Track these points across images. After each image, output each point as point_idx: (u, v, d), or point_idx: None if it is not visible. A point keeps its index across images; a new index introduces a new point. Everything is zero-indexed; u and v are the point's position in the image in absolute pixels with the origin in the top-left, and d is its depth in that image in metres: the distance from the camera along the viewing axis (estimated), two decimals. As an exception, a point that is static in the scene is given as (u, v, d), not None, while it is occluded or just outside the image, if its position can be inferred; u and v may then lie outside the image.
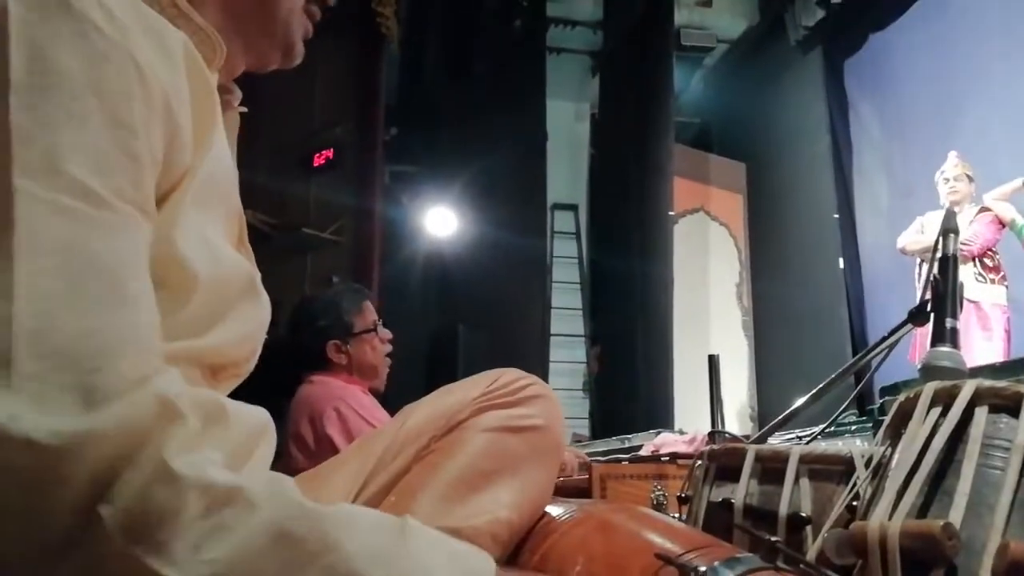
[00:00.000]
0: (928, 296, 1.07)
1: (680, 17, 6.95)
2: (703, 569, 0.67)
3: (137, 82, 0.57)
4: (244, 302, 0.73)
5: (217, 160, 0.69)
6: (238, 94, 0.83)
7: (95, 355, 0.49)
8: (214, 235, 0.69)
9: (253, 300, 0.75)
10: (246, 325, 0.74)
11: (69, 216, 0.51)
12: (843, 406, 1.33)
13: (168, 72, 0.61)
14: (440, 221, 6.65)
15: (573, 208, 7.88)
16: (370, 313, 2.37)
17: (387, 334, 2.39)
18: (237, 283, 0.72)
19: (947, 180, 4.43)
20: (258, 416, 0.69)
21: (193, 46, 0.67)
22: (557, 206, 7.72)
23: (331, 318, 2.30)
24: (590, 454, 3.04)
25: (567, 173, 7.80)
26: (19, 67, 0.52)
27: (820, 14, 6.00)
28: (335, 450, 2.01)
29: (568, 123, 7.90)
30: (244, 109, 0.84)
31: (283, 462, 2.09)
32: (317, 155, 5.27)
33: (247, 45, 0.80)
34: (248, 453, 0.65)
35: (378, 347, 2.36)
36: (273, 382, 0.83)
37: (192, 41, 0.68)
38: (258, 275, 0.77)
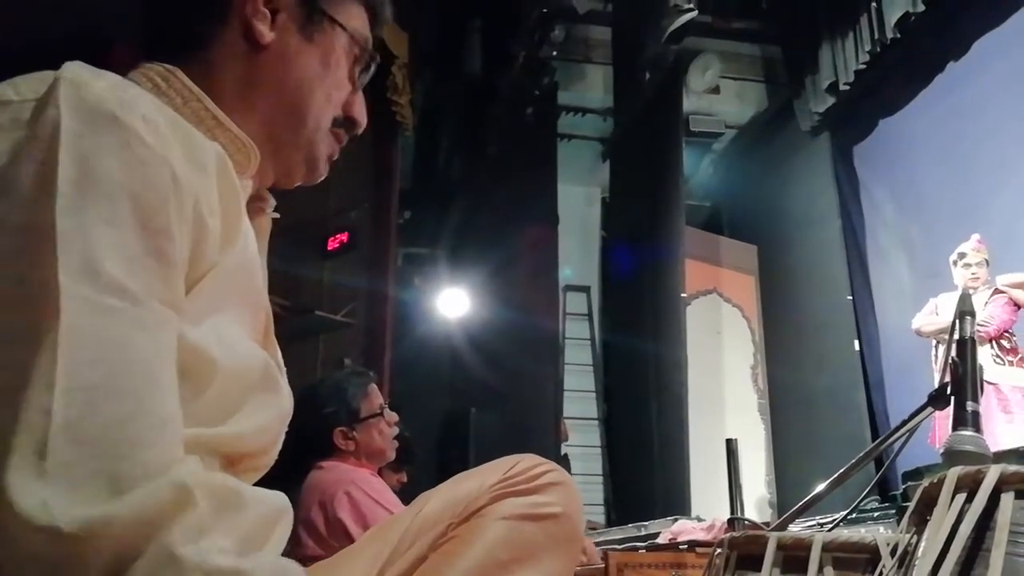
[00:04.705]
0: (947, 379, 1.06)
1: (688, 104, 7.10)
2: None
3: (171, 186, 0.61)
4: (262, 393, 0.76)
5: (241, 259, 0.73)
6: (272, 202, 0.88)
7: (124, 443, 0.53)
8: (231, 327, 0.72)
9: (272, 392, 0.77)
10: (264, 416, 0.76)
11: (107, 313, 0.55)
12: (865, 492, 1.31)
13: (200, 179, 0.66)
14: (452, 303, 6.68)
15: (585, 290, 7.91)
16: (376, 397, 2.35)
17: (393, 416, 2.36)
18: (253, 374, 0.75)
19: (968, 266, 4.43)
20: (275, 501, 0.70)
21: (226, 156, 0.72)
22: (569, 288, 7.75)
23: (337, 404, 2.28)
24: (606, 541, 2.97)
25: (579, 255, 7.86)
26: (66, 175, 0.56)
27: (829, 101, 6.08)
28: (347, 534, 1.98)
29: (579, 207, 8.00)
30: (277, 215, 0.89)
31: (293, 549, 2.05)
32: (332, 239, 5.33)
33: (276, 156, 0.85)
34: (264, 537, 0.66)
35: (385, 431, 2.33)
36: (280, 469, 0.84)
37: (229, 149, 0.74)
38: (280, 368, 0.80)
